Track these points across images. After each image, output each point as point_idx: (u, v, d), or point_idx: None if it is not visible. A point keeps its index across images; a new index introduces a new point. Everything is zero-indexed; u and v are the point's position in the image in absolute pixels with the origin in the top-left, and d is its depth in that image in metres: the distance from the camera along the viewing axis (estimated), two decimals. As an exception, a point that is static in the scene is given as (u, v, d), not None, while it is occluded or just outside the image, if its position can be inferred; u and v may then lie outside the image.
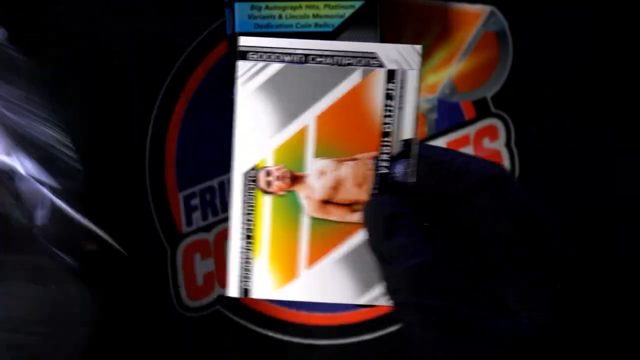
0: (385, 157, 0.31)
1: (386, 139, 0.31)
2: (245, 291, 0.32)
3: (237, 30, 0.41)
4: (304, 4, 0.41)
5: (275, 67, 0.30)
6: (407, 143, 0.30)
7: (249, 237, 0.31)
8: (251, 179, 0.31)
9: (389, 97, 0.30)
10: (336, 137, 0.31)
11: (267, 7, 0.41)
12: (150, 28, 0.48)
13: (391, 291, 0.29)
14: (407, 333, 0.28)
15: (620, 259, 0.49)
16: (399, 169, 0.31)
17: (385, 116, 0.30)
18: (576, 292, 0.30)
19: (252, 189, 0.31)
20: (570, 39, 0.49)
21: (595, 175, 0.49)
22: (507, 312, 0.30)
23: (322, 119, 0.31)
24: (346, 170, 0.31)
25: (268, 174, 0.31)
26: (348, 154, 0.31)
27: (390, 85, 0.30)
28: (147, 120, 0.48)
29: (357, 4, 0.41)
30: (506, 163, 0.49)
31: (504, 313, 0.30)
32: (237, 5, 0.41)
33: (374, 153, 0.31)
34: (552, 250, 0.30)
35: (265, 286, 0.32)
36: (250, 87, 0.31)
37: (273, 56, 0.30)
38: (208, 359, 0.34)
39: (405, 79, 0.30)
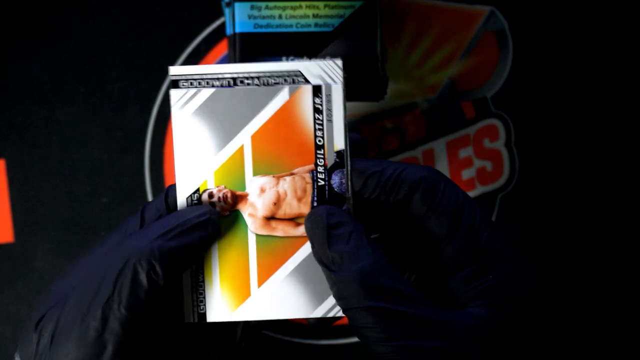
0: (321, 169, 0.32)
1: (320, 151, 0.32)
2: (201, 315, 0.32)
3: (237, 30, 0.41)
4: (304, 4, 0.41)
5: (206, 92, 0.31)
6: (340, 154, 0.31)
7: (198, 260, 0.32)
8: (195, 202, 0.32)
9: (317, 111, 0.32)
10: (272, 154, 0.32)
11: (267, 7, 0.41)
12: (150, 28, 0.48)
13: (339, 298, 0.30)
14: (360, 337, 0.30)
15: (620, 258, 0.49)
16: (335, 180, 0.32)
17: (317, 130, 0.32)
18: (509, 286, 0.31)
19: None
20: (570, 39, 0.49)
21: (595, 175, 0.49)
22: (454, 305, 0.31)
23: (256, 137, 0.32)
24: (285, 185, 0.32)
25: (210, 195, 0.32)
26: (286, 169, 0.32)
27: (317, 100, 0.31)
28: (146, 120, 0.48)
29: (357, 4, 0.41)
30: (506, 163, 0.49)
31: (451, 307, 0.31)
32: (237, 5, 0.41)
33: (310, 166, 0.32)
34: (479, 246, 0.31)
35: (221, 309, 0.32)
36: (185, 113, 0.31)
37: (203, 82, 0.31)
38: (204, 356, 0.34)
39: (330, 93, 0.31)
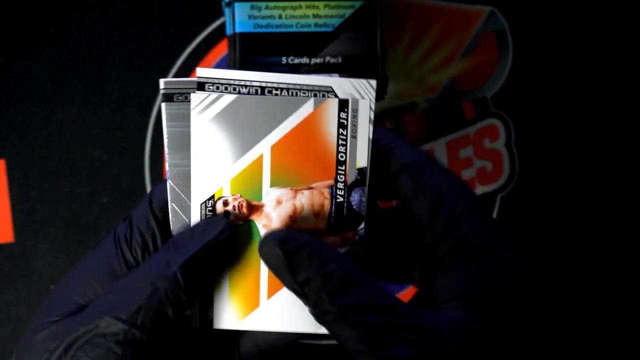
0: (341, 185, 0.31)
1: (341, 167, 0.31)
2: (209, 322, 0.32)
3: (237, 30, 0.41)
4: (304, 4, 0.41)
5: (228, 97, 0.31)
6: (361, 171, 0.31)
7: None
8: (209, 209, 0.31)
9: (341, 126, 0.31)
10: (291, 166, 0.31)
11: (267, 7, 0.41)
12: (150, 28, 0.48)
13: (317, 317, 0.30)
14: (346, 350, 0.29)
15: (620, 257, 0.49)
16: (355, 198, 0.31)
17: (339, 145, 0.31)
18: (484, 284, 0.31)
19: None
20: (570, 39, 0.49)
21: (595, 175, 0.49)
22: (434, 304, 0.31)
23: (276, 148, 0.31)
24: (303, 199, 0.31)
25: (225, 203, 0.31)
26: (304, 183, 0.31)
27: (343, 115, 0.30)
28: (146, 120, 0.48)
29: (357, 4, 0.41)
30: (506, 163, 0.49)
31: (431, 306, 0.31)
32: (237, 5, 0.41)
33: (329, 182, 0.31)
34: (459, 237, 0.31)
35: (228, 317, 0.32)
36: (205, 118, 0.31)
37: (230, 87, 0.31)
38: (202, 354, 0.34)
39: (357, 108, 0.30)
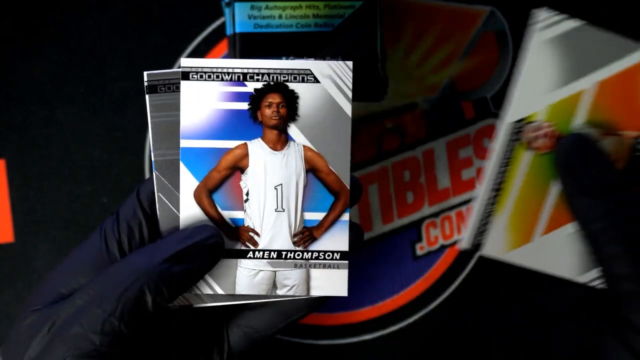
0: None
1: None
2: (477, 246, 0.31)
3: (237, 30, 0.41)
4: (304, 4, 0.41)
5: (572, 23, 0.30)
6: None
7: (497, 190, 0.30)
8: (518, 129, 0.30)
9: None
10: (609, 108, 0.30)
11: (267, 7, 0.41)
12: (150, 28, 0.48)
13: (595, 231, 0.29)
14: (607, 267, 0.28)
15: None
16: None
17: None
18: None
19: (516, 140, 0.30)
20: (570, 39, 0.49)
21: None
22: None
23: (602, 86, 0.30)
24: (606, 142, 0.30)
25: (538, 129, 0.30)
26: (615, 128, 0.30)
27: None
28: (146, 120, 0.48)
29: (357, 4, 0.41)
30: (506, 163, 0.49)
31: None
32: (237, 5, 0.41)
33: (636, 133, 0.30)
34: None
35: (498, 245, 0.31)
36: (542, 37, 0.30)
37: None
38: (202, 353, 0.34)
39: None
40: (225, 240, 0.32)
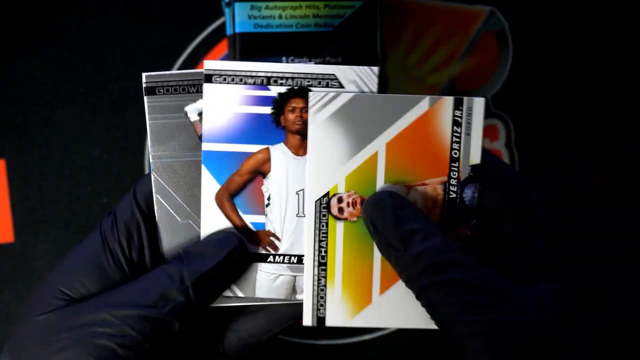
0: (454, 182, 0.32)
1: (454, 164, 0.31)
2: (321, 320, 0.32)
3: (237, 30, 0.41)
4: (304, 4, 0.41)
5: (345, 96, 0.31)
6: (474, 168, 0.31)
7: (322, 264, 0.32)
8: (323, 206, 0.32)
9: (456, 123, 0.31)
10: (405, 163, 0.32)
11: (267, 7, 0.41)
12: (150, 28, 0.48)
13: (408, 280, 0.29)
14: (434, 316, 0.29)
15: (620, 257, 0.49)
16: (468, 194, 0.32)
17: (453, 142, 0.31)
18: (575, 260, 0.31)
19: (325, 215, 0.32)
20: (570, 39, 0.49)
21: (596, 175, 0.49)
22: (523, 281, 0.31)
23: (391, 145, 0.31)
24: (416, 195, 0.32)
25: (340, 200, 0.32)
26: (417, 179, 0.32)
27: (458, 113, 0.31)
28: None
29: (357, 4, 0.41)
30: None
31: (523, 283, 0.31)
32: (237, 5, 0.41)
33: (443, 178, 0.31)
34: (539, 219, 0.31)
35: (340, 314, 0.32)
36: (322, 117, 0.31)
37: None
38: (203, 352, 0.34)
39: (471, 106, 0.31)
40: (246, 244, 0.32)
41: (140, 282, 0.31)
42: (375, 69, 0.32)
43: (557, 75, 0.49)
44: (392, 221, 0.30)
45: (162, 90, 0.32)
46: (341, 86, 0.32)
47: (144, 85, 0.32)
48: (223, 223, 0.32)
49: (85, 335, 0.29)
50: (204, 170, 0.32)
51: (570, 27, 0.49)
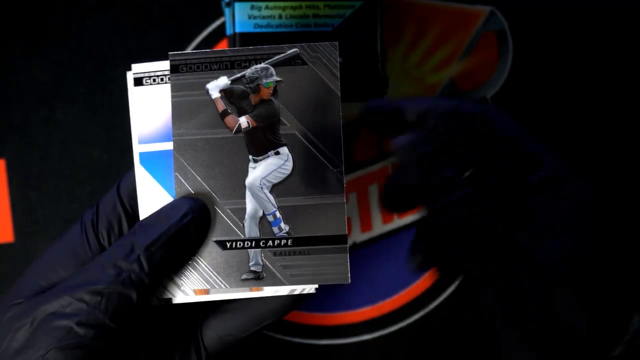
0: None
1: None
2: (168, 299, 0.33)
3: (237, 30, 0.41)
4: (304, 4, 0.41)
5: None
6: None
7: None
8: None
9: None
10: None
11: (267, 7, 0.41)
12: (150, 28, 0.48)
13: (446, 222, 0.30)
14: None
15: (620, 257, 0.49)
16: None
17: None
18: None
19: None
20: (570, 39, 0.49)
21: (596, 175, 0.49)
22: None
23: None
24: None
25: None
26: None
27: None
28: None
29: (357, 4, 0.41)
30: (506, 163, 0.49)
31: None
32: (237, 5, 0.41)
33: None
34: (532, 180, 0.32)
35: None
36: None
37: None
38: (179, 351, 0.34)
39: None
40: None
41: (97, 259, 0.31)
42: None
43: (557, 75, 0.49)
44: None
45: (185, 69, 0.32)
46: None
47: (170, 63, 0.32)
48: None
49: (45, 318, 0.29)
50: (142, 172, 0.32)
51: (570, 27, 0.49)
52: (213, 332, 0.34)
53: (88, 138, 0.48)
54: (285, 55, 0.32)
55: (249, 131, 0.33)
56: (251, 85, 0.33)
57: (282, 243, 0.32)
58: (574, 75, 0.49)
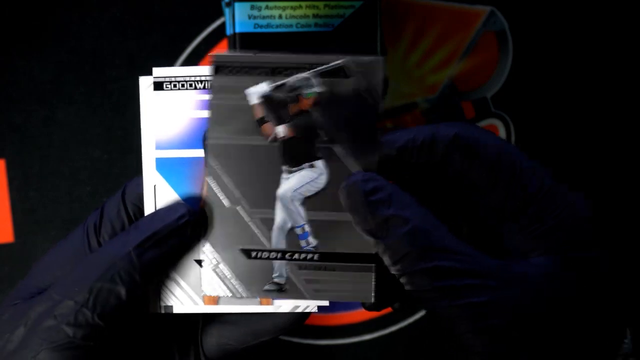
0: None
1: None
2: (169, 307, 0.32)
3: (237, 30, 0.41)
4: (304, 4, 0.41)
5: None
6: None
7: None
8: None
9: None
10: None
11: (267, 7, 0.41)
12: (150, 28, 0.48)
13: (394, 264, 0.29)
14: (420, 301, 0.29)
15: (620, 257, 0.49)
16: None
17: None
18: (566, 228, 0.30)
19: None
20: (570, 39, 0.49)
21: (595, 175, 0.49)
22: (511, 256, 0.30)
23: None
24: None
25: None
26: None
27: None
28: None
29: (357, 4, 0.41)
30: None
31: (512, 259, 0.30)
32: (237, 5, 0.41)
33: None
34: (526, 192, 0.30)
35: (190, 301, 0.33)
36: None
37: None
38: (179, 354, 0.34)
39: None
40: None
41: (88, 257, 0.31)
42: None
43: (557, 75, 0.49)
44: (366, 209, 0.29)
45: (226, 71, 0.32)
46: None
47: (213, 65, 0.32)
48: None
49: (37, 319, 0.29)
50: (158, 178, 0.32)
51: (570, 27, 0.49)
52: (213, 340, 0.34)
53: (88, 138, 0.48)
54: (330, 66, 0.31)
55: (285, 141, 0.32)
56: (291, 94, 0.32)
57: (309, 257, 0.32)
58: (574, 75, 0.49)
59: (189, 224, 0.31)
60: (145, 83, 0.32)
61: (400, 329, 0.48)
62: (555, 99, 0.49)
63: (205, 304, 0.32)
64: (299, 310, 0.33)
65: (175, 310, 0.32)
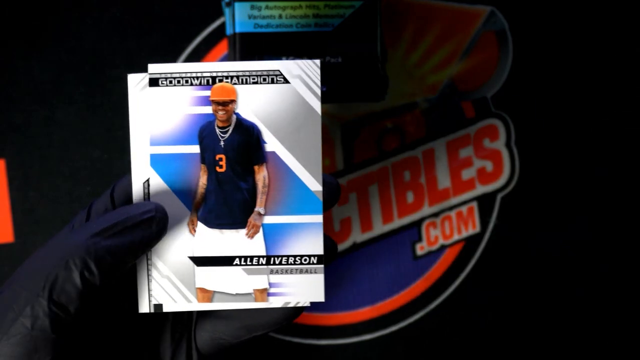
0: None
1: None
2: (159, 306, 0.33)
3: (237, 30, 0.41)
4: (304, 4, 0.41)
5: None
6: None
7: None
8: (146, 197, 0.33)
9: None
10: None
11: (267, 7, 0.41)
12: (150, 28, 0.48)
13: None
14: None
15: (620, 257, 0.49)
16: None
17: None
18: None
19: None
20: (570, 39, 0.49)
21: (596, 175, 0.49)
22: None
23: None
24: None
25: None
26: None
27: None
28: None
29: (357, 4, 0.41)
30: (506, 163, 0.49)
31: None
32: (237, 5, 0.41)
33: None
34: None
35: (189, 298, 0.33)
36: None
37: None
38: (171, 350, 0.34)
39: None
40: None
41: (50, 244, 0.30)
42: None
43: (557, 75, 0.49)
44: None
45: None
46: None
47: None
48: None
49: (1, 311, 0.28)
50: (153, 175, 0.32)
51: (570, 27, 0.49)
52: (206, 334, 0.34)
53: (88, 138, 0.48)
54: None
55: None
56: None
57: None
58: (575, 75, 0.49)
59: (153, 220, 0.30)
60: (134, 81, 0.32)
61: (400, 329, 0.48)
62: (555, 98, 0.49)
63: (199, 301, 0.32)
64: (291, 305, 0.33)
65: (166, 309, 0.32)
